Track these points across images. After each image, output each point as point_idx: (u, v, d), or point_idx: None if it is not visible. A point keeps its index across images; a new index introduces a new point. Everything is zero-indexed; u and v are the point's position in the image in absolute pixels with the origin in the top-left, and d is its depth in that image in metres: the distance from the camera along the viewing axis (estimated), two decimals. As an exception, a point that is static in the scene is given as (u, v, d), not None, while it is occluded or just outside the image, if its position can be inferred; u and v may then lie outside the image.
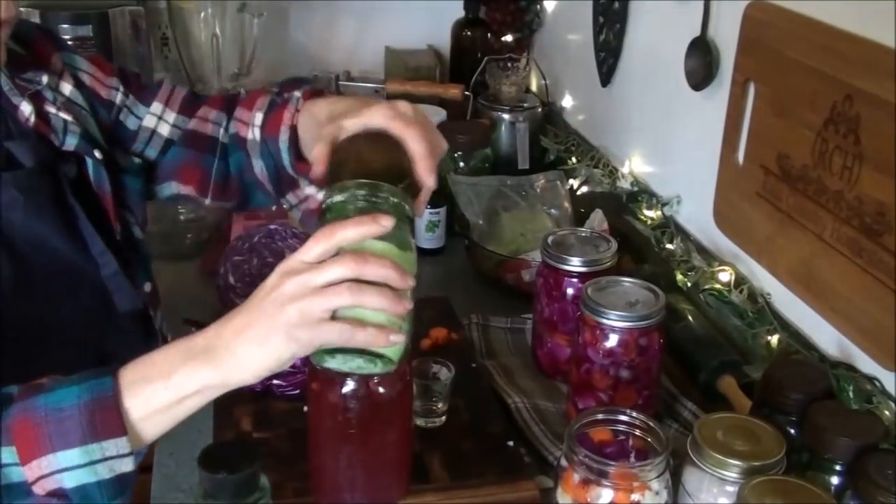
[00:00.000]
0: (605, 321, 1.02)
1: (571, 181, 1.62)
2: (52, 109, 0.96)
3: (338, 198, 0.79)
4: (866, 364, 0.97)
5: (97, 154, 0.98)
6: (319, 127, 0.93)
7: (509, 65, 1.83)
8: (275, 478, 0.80)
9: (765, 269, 1.14)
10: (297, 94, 1.05)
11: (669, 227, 1.37)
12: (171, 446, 1.04)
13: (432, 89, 1.84)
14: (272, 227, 1.32)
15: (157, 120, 1.09)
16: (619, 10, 1.53)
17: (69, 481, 0.71)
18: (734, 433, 0.89)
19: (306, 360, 0.79)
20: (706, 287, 1.23)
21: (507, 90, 1.80)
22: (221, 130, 1.12)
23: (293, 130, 1.03)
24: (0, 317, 0.87)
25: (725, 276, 1.22)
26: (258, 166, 1.08)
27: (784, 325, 1.11)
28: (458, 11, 1.98)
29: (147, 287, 1.04)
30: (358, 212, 0.76)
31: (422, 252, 1.27)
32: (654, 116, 1.46)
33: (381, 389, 0.87)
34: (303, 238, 1.24)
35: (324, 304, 0.71)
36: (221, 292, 1.31)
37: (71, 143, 0.96)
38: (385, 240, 0.75)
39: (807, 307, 1.05)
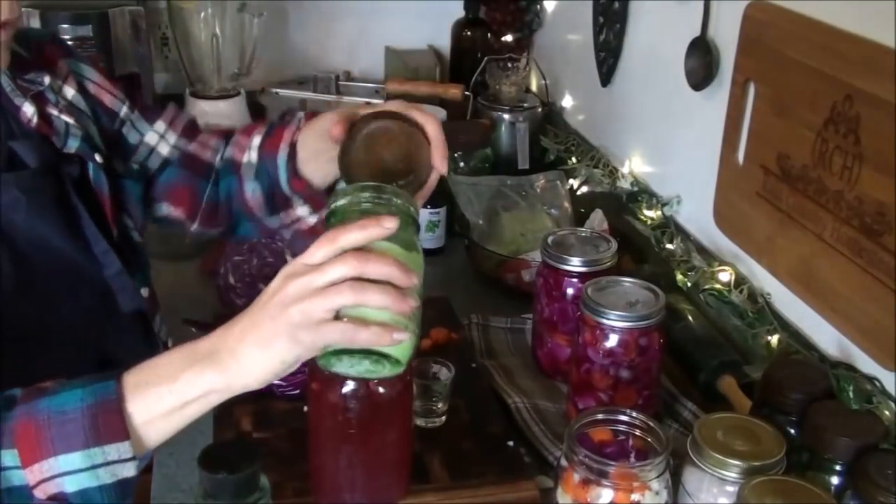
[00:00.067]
0: (605, 321, 1.02)
1: (571, 181, 1.62)
2: (53, 111, 0.96)
3: (341, 202, 0.79)
4: (866, 364, 0.97)
5: (98, 158, 0.98)
6: (324, 137, 0.94)
7: (509, 65, 1.83)
8: (275, 478, 0.80)
9: (765, 269, 1.14)
10: (300, 114, 1.06)
11: (669, 227, 1.37)
12: (171, 446, 1.03)
13: (432, 89, 1.84)
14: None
15: (159, 138, 1.10)
16: (619, 10, 1.53)
17: (70, 485, 0.71)
18: (734, 433, 0.89)
19: (306, 361, 0.79)
20: (706, 287, 1.23)
21: (507, 90, 1.80)
22: (218, 157, 1.12)
23: (293, 147, 1.03)
24: (2, 316, 0.87)
25: (725, 276, 1.22)
26: (250, 189, 1.08)
27: (784, 325, 1.11)
28: (458, 11, 1.98)
29: (145, 292, 1.04)
30: (362, 214, 0.76)
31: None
32: (654, 116, 1.46)
33: (381, 389, 0.87)
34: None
35: (326, 304, 0.70)
36: (221, 292, 1.31)
37: (72, 145, 0.96)
38: (389, 240, 0.74)
39: (807, 307, 1.05)
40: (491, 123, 1.77)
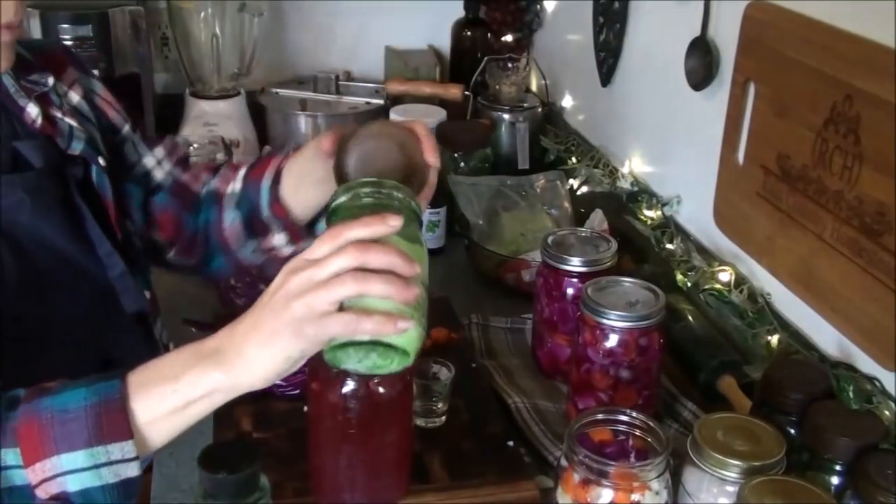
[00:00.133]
0: (605, 321, 1.02)
1: (571, 181, 1.62)
2: (57, 114, 0.96)
3: (342, 199, 0.79)
4: (866, 364, 0.97)
5: (101, 161, 0.98)
6: (312, 159, 0.96)
7: (509, 65, 1.83)
8: (275, 478, 0.80)
9: (765, 269, 1.14)
10: (289, 148, 1.06)
11: (669, 227, 1.37)
12: (171, 446, 1.02)
13: (432, 89, 1.84)
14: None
15: (156, 163, 1.10)
16: (619, 10, 1.53)
17: (73, 485, 0.71)
18: (734, 433, 0.89)
19: (306, 361, 0.79)
20: (706, 287, 1.23)
21: (507, 90, 1.80)
22: (204, 189, 1.12)
23: (278, 173, 1.03)
24: (3, 316, 0.87)
25: (725, 276, 1.22)
26: (229, 219, 1.07)
27: (784, 325, 1.11)
28: (458, 11, 1.98)
29: (146, 295, 1.04)
30: (364, 209, 0.76)
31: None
32: (654, 116, 1.46)
33: (381, 389, 0.87)
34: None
35: (328, 296, 0.70)
36: (221, 292, 1.31)
37: (77, 147, 0.96)
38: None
39: (807, 307, 1.05)
40: (491, 123, 1.77)
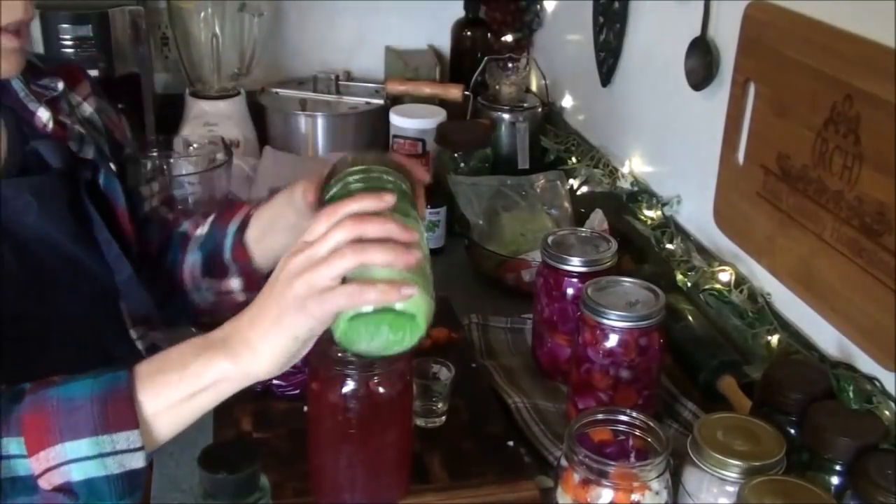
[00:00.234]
0: (605, 321, 1.02)
1: (571, 181, 1.62)
2: (67, 120, 0.96)
3: (334, 190, 0.79)
4: (866, 364, 0.97)
5: (112, 166, 0.99)
6: (283, 206, 0.97)
7: (509, 65, 1.83)
8: (275, 478, 0.80)
9: (765, 269, 1.14)
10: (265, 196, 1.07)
11: (669, 227, 1.37)
12: (171, 446, 1.02)
13: (432, 89, 1.84)
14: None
15: (151, 194, 1.11)
16: (619, 10, 1.53)
17: (77, 474, 0.70)
18: (734, 433, 0.89)
19: (306, 360, 0.79)
20: (706, 287, 1.23)
21: (507, 90, 1.80)
22: (178, 231, 1.12)
23: (246, 219, 1.04)
24: (3, 316, 0.87)
25: (725, 276, 1.22)
26: (190, 261, 1.07)
27: (784, 325, 1.11)
28: (458, 11, 1.98)
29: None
30: (357, 193, 0.77)
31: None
32: (654, 116, 1.46)
33: (381, 389, 0.87)
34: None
35: (329, 271, 0.70)
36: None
37: (88, 152, 0.96)
38: None
39: (807, 307, 1.05)
40: (491, 123, 1.77)
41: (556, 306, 1.17)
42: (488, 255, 1.45)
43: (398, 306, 0.71)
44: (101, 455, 0.70)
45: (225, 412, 1.05)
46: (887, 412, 0.92)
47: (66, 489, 0.70)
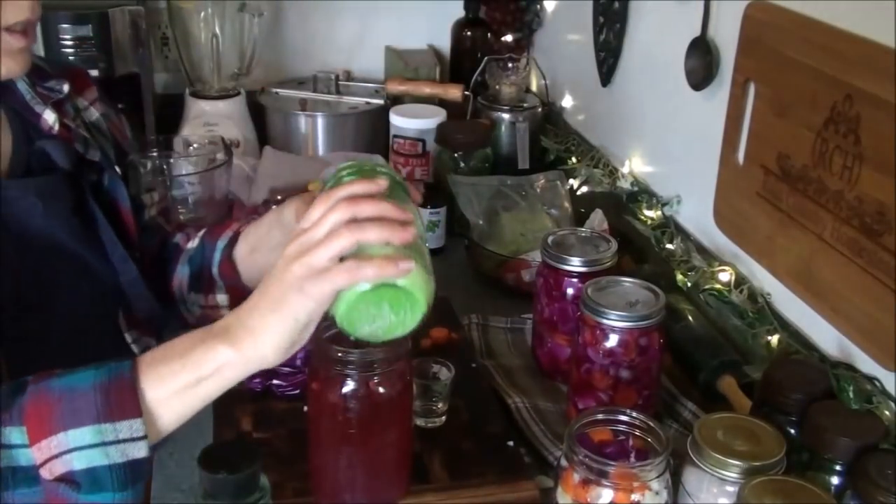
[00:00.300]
0: (605, 321, 1.02)
1: (571, 181, 1.62)
2: (71, 124, 0.96)
3: (329, 185, 0.80)
4: (866, 364, 0.97)
5: (117, 169, 0.99)
6: (273, 225, 0.97)
7: (509, 65, 1.83)
8: (275, 478, 0.80)
9: (765, 269, 1.14)
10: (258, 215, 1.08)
11: (669, 227, 1.37)
12: (171, 446, 1.04)
13: (432, 89, 1.84)
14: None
15: (151, 203, 1.13)
16: (619, 10, 1.53)
17: (79, 462, 0.70)
18: (734, 433, 0.89)
19: (306, 360, 0.79)
20: (706, 287, 1.23)
21: (507, 90, 1.80)
22: (171, 242, 1.12)
23: (236, 235, 1.04)
24: (4, 316, 0.87)
25: (725, 276, 1.22)
26: (180, 275, 1.07)
27: (784, 325, 1.11)
28: (458, 11, 1.98)
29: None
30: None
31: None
32: (654, 116, 1.46)
33: (381, 389, 0.87)
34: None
35: (326, 252, 0.71)
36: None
37: (94, 155, 0.96)
38: None
39: (807, 307, 1.05)
40: (491, 123, 1.78)
41: (556, 306, 1.17)
42: (488, 255, 1.45)
43: (398, 283, 0.71)
44: (104, 443, 0.70)
45: (225, 412, 1.06)
46: (887, 412, 0.92)
47: (67, 479, 0.70)
